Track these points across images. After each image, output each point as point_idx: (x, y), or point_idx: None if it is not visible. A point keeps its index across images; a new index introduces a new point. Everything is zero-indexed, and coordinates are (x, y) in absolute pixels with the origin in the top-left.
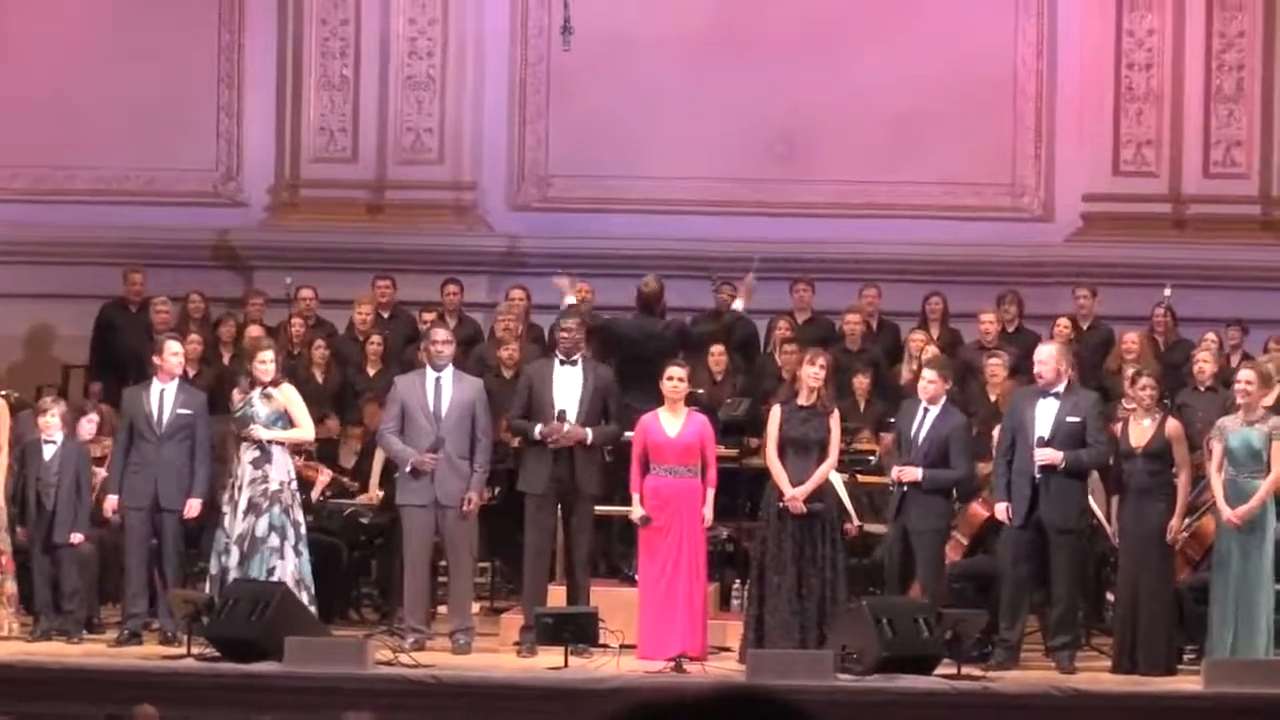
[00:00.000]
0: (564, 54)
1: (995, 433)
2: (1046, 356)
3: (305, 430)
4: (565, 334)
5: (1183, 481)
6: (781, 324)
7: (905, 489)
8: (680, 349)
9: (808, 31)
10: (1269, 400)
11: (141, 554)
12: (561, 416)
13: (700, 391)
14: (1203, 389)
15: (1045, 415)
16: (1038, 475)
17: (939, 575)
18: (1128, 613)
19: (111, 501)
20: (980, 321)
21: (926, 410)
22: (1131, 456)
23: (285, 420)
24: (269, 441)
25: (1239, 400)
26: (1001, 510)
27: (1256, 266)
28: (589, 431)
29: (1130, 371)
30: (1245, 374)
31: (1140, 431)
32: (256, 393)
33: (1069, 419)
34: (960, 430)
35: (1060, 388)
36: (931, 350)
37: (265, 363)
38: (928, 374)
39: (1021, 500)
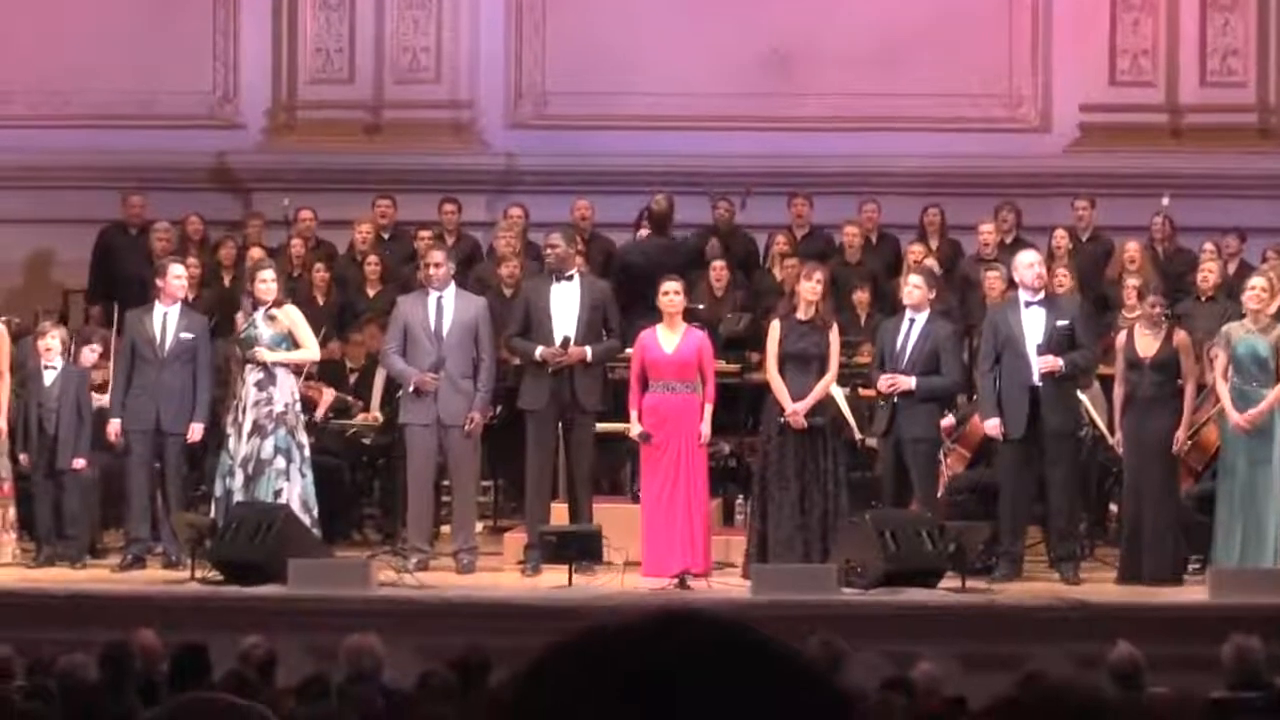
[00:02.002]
0: None
1: None
2: (1034, 259)
3: (310, 351)
4: (551, 250)
5: (1189, 392)
6: (780, 239)
7: (896, 401)
8: (690, 267)
9: None
10: (1272, 309)
11: (144, 478)
12: (566, 343)
13: (700, 307)
14: (1204, 299)
15: (1034, 323)
16: (1039, 383)
17: (936, 484)
18: (1132, 523)
19: (114, 425)
20: (979, 233)
21: (912, 320)
22: (1138, 367)
23: (289, 341)
24: (273, 363)
25: (1252, 306)
26: (993, 426)
27: (1254, 175)
28: (589, 350)
29: (1134, 284)
30: (1258, 280)
31: (1147, 342)
32: (260, 314)
33: (1058, 324)
34: (950, 338)
35: (1041, 294)
36: (929, 262)
37: (266, 281)
38: (913, 279)
39: (1019, 411)
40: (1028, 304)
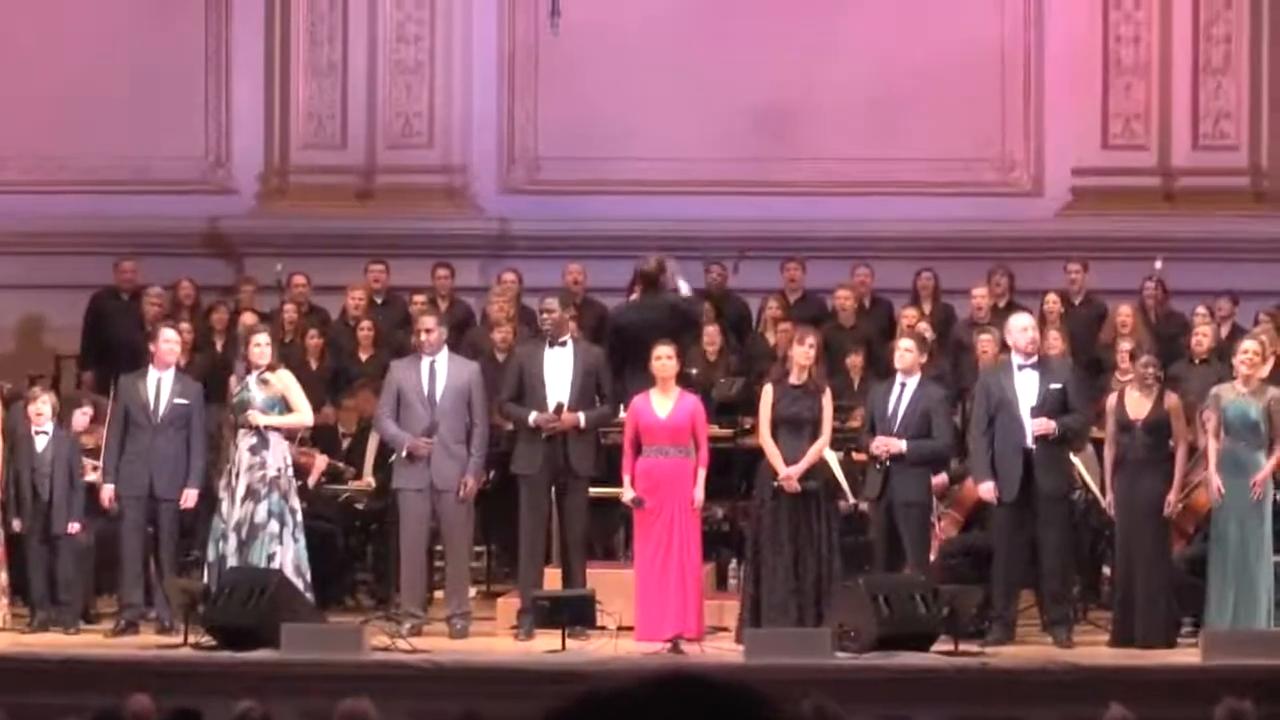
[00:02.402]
0: (552, 37)
1: None
2: (1027, 324)
3: (304, 415)
4: (546, 315)
5: (1180, 454)
6: (773, 303)
7: (889, 464)
8: (683, 327)
9: (795, 8)
10: (1263, 373)
11: (137, 543)
12: (559, 409)
13: (694, 371)
14: (1197, 362)
15: (1027, 386)
16: (1032, 446)
17: (928, 549)
18: (1125, 586)
19: (108, 491)
20: (972, 297)
21: (904, 384)
22: (1130, 429)
23: (282, 406)
24: (266, 427)
25: (1243, 371)
26: (987, 490)
27: (1247, 238)
28: (581, 416)
29: (1127, 347)
30: (1250, 344)
31: (1138, 404)
32: (253, 378)
33: (1051, 388)
34: (941, 401)
35: (1034, 358)
36: (922, 326)
37: (260, 345)
38: (904, 344)
39: (1013, 474)
40: (1020, 367)
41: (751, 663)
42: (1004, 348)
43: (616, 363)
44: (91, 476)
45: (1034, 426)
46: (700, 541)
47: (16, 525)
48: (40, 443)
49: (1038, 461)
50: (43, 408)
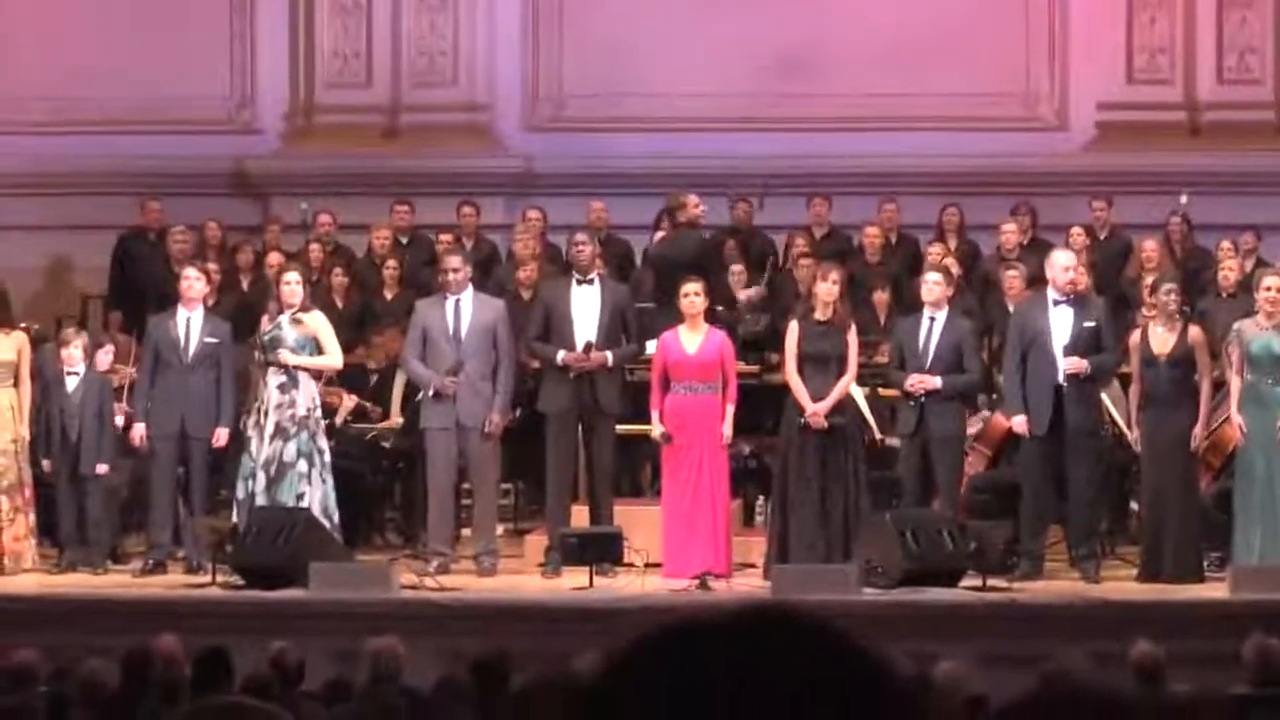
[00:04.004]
0: None
1: None
2: (1070, 262)
3: (334, 359)
4: (579, 249)
5: (1205, 389)
6: (799, 240)
7: (923, 400)
8: (711, 264)
9: None
10: None
11: (167, 483)
12: (588, 348)
13: (720, 309)
14: (1224, 296)
15: (1061, 323)
16: (1064, 383)
17: (960, 483)
18: (1152, 521)
19: (139, 429)
20: (1001, 232)
21: (933, 319)
22: (1154, 364)
23: (313, 346)
24: (296, 368)
25: (1266, 307)
26: (1020, 423)
27: (1272, 172)
28: (610, 355)
29: (1150, 280)
30: (1273, 279)
31: (1162, 339)
32: (285, 317)
33: (1085, 325)
34: (970, 334)
35: (1071, 295)
36: (949, 261)
37: (290, 284)
38: (931, 277)
39: (1044, 409)
40: (1056, 303)
41: (778, 599)
42: (1030, 282)
43: (654, 296)
44: (118, 418)
45: (1066, 365)
46: (728, 478)
47: (46, 465)
48: (71, 384)
49: (1068, 397)
50: (74, 350)
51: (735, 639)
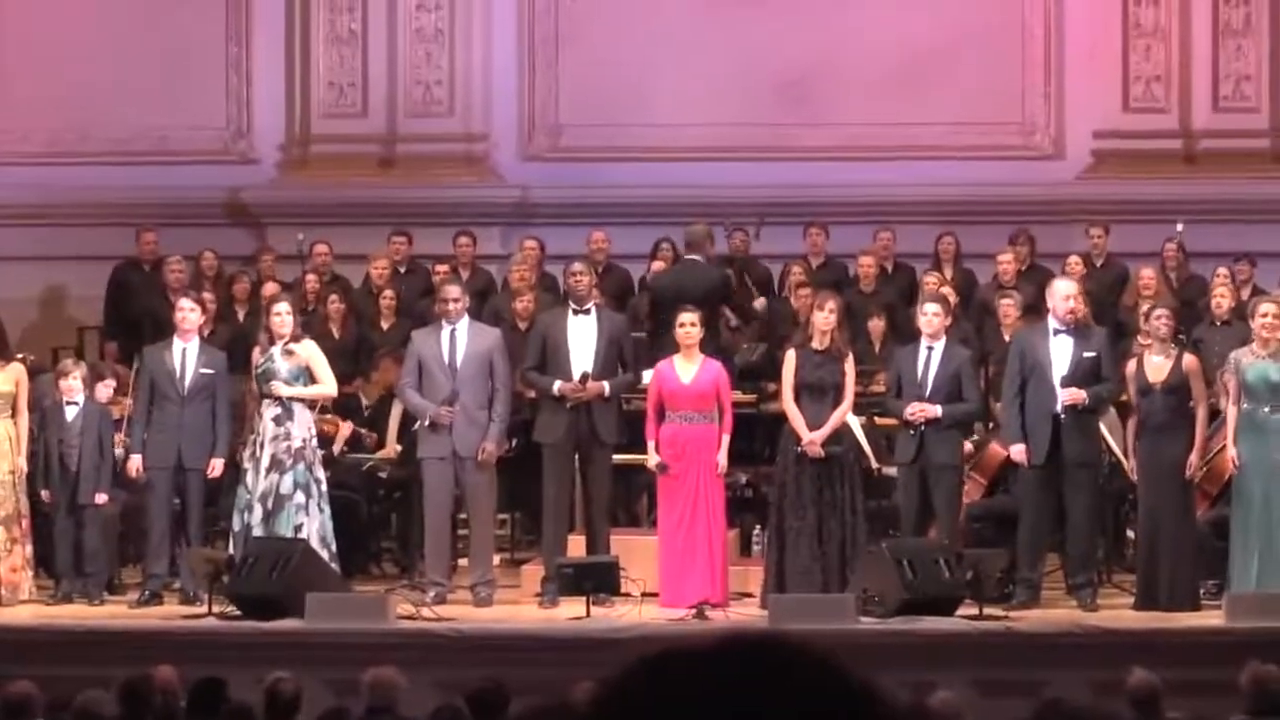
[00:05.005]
0: (572, 2)
1: None
2: (1071, 291)
3: (328, 386)
4: (575, 279)
5: (1201, 416)
6: (795, 268)
7: (922, 429)
8: (719, 296)
9: None
10: None
11: (164, 514)
12: (584, 379)
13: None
14: (1219, 323)
15: (1061, 353)
16: (1062, 414)
17: (958, 512)
18: (1149, 549)
19: (135, 461)
20: (998, 261)
21: (930, 348)
22: (1149, 392)
23: (307, 376)
24: (290, 398)
25: (1262, 334)
26: (1018, 452)
27: (1267, 200)
28: (606, 385)
29: (1145, 307)
30: (1268, 307)
31: (1157, 367)
32: (278, 348)
33: (1085, 355)
34: (968, 364)
35: (1071, 325)
36: (944, 290)
37: (280, 314)
38: (930, 308)
39: (1042, 439)
40: (1056, 332)
41: (766, 627)
42: (1026, 311)
43: (652, 327)
44: (117, 449)
45: (1064, 396)
46: (724, 507)
47: (45, 496)
48: (70, 413)
49: (1066, 428)
50: (74, 381)
51: (721, 667)
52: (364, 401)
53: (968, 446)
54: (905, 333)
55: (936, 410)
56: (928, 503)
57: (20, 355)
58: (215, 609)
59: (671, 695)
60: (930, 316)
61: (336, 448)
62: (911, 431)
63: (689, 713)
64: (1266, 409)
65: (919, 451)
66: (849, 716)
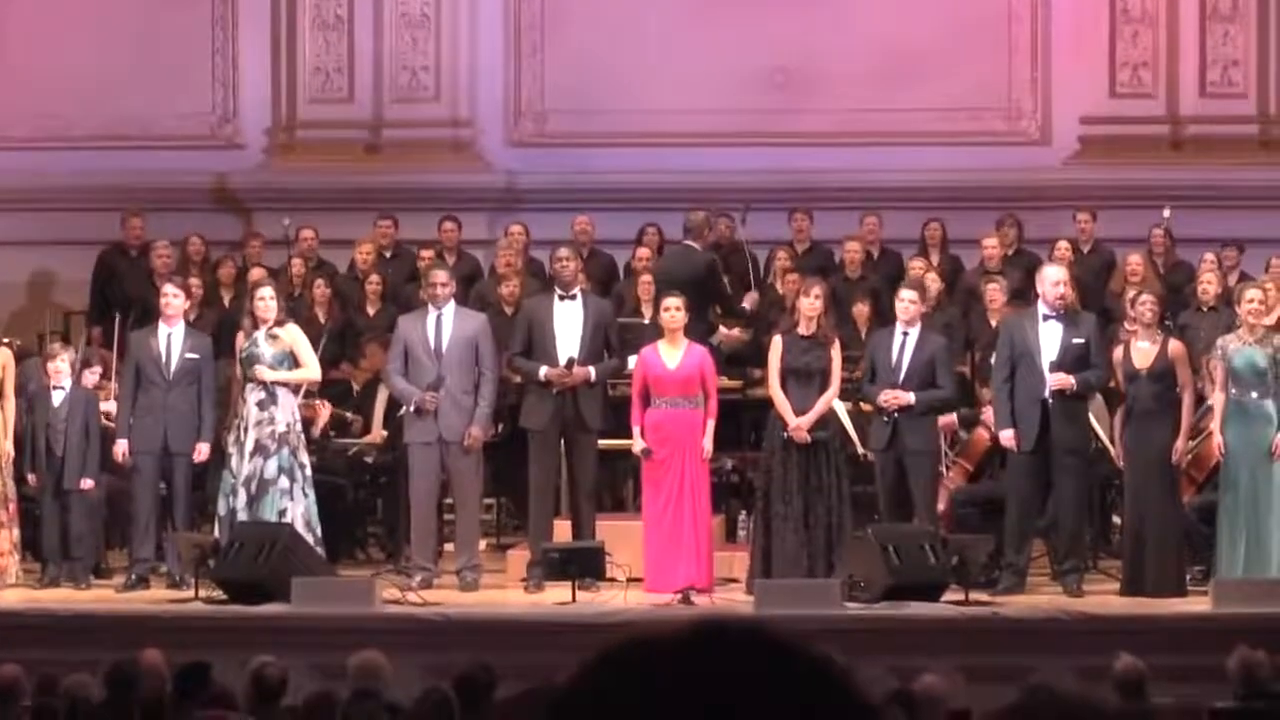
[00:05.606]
0: None
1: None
2: (1060, 277)
3: (312, 370)
4: (561, 264)
5: (1187, 402)
6: (781, 254)
7: (896, 416)
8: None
9: None
10: (1270, 320)
11: (150, 498)
12: (570, 364)
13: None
14: (1205, 309)
15: (1050, 339)
16: (1050, 399)
17: (936, 497)
18: (1135, 535)
19: (121, 446)
20: (983, 246)
21: (905, 334)
22: (1135, 378)
23: (290, 361)
24: (274, 383)
25: (1248, 320)
26: (1007, 438)
27: (1254, 186)
28: (592, 370)
29: (1131, 293)
30: (1254, 293)
31: (1143, 353)
32: (262, 333)
33: (1074, 341)
34: (944, 350)
35: (1061, 311)
36: (930, 276)
37: (264, 299)
38: (907, 294)
39: (1030, 424)
40: (1045, 318)
41: (761, 614)
42: (1013, 296)
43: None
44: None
45: (1052, 381)
46: (710, 493)
47: (32, 480)
48: (57, 398)
49: (1055, 414)
50: (61, 365)
51: (689, 653)
52: (353, 386)
53: (950, 418)
54: (891, 318)
55: (910, 398)
56: (905, 488)
57: (6, 340)
58: (201, 593)
59: (638, 682)
60: (906, 303)
61: (317, 431)
62: (885, 418)
63: (656, 699)
64: (1254, 395)
65: (893, 437)
66: (821, 706)
